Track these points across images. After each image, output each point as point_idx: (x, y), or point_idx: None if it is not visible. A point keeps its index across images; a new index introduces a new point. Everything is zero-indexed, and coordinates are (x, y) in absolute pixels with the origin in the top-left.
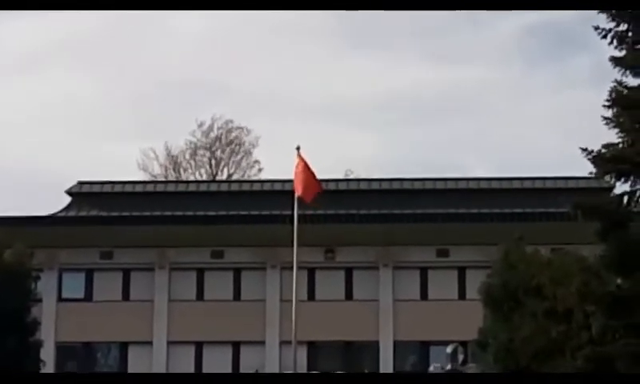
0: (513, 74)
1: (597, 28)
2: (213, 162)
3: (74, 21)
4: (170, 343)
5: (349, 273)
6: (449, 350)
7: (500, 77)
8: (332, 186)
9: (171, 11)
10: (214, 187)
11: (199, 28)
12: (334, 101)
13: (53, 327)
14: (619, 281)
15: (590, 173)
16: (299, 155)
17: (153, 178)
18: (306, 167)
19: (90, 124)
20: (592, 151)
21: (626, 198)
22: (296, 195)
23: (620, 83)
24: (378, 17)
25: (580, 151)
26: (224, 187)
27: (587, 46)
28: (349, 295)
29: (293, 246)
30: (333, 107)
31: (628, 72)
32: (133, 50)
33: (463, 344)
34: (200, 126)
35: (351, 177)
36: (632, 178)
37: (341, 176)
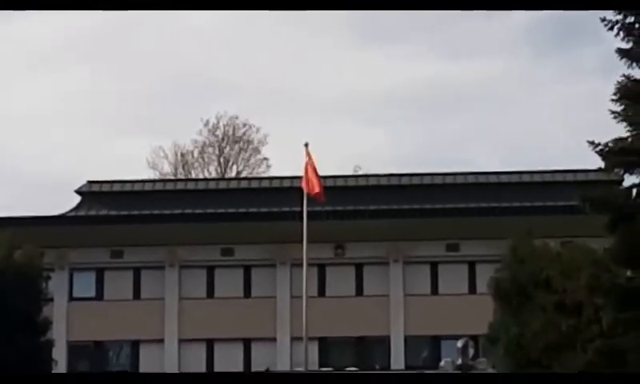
0: (521, 66)
1: (603, 19)
2: (221, 159)
3: (78, 20)
4: (181, 341)
5: (359, 268)
6: (459, 344)
7: (508, 69)
8: (341, 182)
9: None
10: (223, 185)
11: (204, 25)
12: (341, 97)
13: (64, 327)
14: (629, 273)
15: (599, 166)
16: (307, 153)
17: (162, 177)
18: (311, 166)
19: (97, 123)
20: (599, 144)
21: (634, 191)
22: (304, 192)
23: (627, 77)
24: (384, 10)
25: (588, 144)
26: (233, 185)
27: (596, 37)
28: (359, 291)
29: (302, 242)
30: (340, 103)
31: (634, 64)
32: (137, 48)
33: (474, 338)
34: (206, 124)
35: (360, 173)
36: None
37: (349, 172)
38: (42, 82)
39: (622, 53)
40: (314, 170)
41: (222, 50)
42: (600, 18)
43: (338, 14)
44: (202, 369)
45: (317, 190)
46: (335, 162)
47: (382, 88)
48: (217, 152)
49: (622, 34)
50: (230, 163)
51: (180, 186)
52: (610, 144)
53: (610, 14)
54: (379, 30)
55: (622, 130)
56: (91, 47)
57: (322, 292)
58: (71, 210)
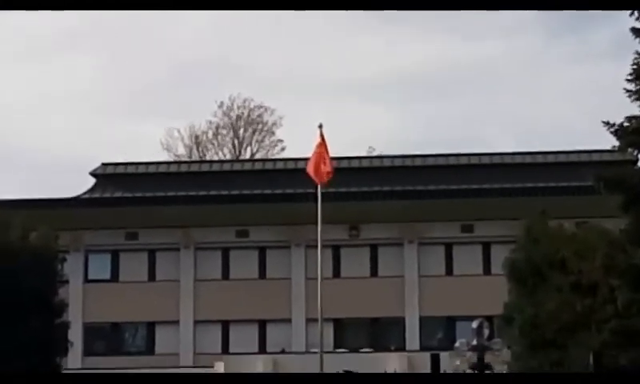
0: (533, 47)
1: None
2: (236, 141)
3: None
4: (196, 322)
5: (373, 250)
6: (474, 325)
7: (520, 50)
8: (355, 164)
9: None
10: (237, 167)
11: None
12: (354, 78)
13: (80, 308)
14: None
15: (613, 146)
16: (321, 134)
17: (177, 158)
18: (322, 148)
19: (111, 106)
20: (614, 124)
21: None
22: (312, 176)
23: None
24: (386, 10)
25: (602, 124)
26: (247, 166)
27: (609, 17)
28: (374, 272)
29: (317, 223)
30: (353, 84)
31: None
32: (150, 31)
33: (489, 319)
34: (220, 106)
35: (373, 154)
36: None
37: (363, 153)
38: (57, 67)
39: (635, 32)
40: (326, 152)
41: (234, 35)
42: None
43: None
44: (218, 350)
45: (325, 172)
46: (349, 143)
47: (393, 69)
48: (231, 134)
49: (636, 13)
50: (245, 145)
51: (194, 167)
52: (624, 124)
53: None
54: (391, 10)
55: (636, 110)
56: (106, 33)
57: (336, 273)
58: (86, 192)
